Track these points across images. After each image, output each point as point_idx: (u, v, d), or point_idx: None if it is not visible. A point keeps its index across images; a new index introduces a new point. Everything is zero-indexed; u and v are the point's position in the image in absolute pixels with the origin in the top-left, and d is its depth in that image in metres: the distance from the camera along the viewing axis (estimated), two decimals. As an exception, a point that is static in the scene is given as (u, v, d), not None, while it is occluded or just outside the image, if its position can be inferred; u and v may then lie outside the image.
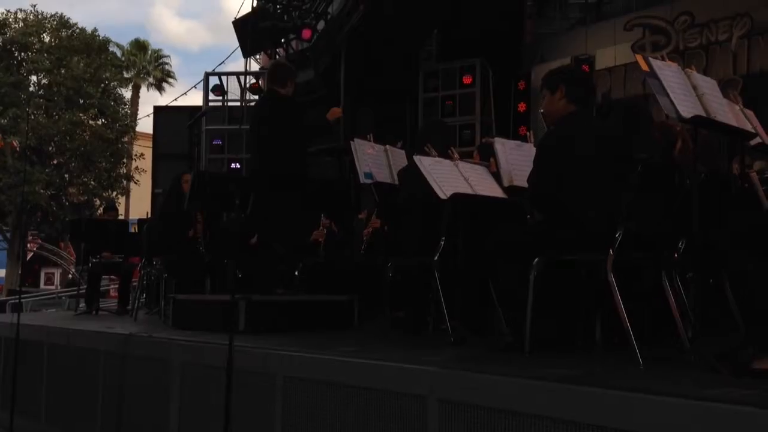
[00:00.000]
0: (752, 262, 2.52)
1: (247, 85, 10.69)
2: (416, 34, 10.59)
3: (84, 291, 8.14)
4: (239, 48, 10.90)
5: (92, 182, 22.35)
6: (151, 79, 30.60)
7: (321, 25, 10.32)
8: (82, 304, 8.06)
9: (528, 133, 4.76)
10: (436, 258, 4.00)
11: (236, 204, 3.63)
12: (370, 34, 9.96)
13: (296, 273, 6.11)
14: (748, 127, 3.27)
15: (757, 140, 3.37)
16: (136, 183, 23.31)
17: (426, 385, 2.68)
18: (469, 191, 3.80)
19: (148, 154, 14.42)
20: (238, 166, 10.03)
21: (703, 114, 2.80)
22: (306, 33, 10.02)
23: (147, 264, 6.66)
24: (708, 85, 2.96)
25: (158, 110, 12.09)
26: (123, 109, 23.80)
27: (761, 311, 2.53)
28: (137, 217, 11.14)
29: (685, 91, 2.82)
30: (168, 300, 5.35)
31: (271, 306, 4.56)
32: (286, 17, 10.11)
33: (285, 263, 5.13)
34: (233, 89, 10.95)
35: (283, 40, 10.42)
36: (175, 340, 4.17)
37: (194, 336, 4.21)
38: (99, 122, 22.45)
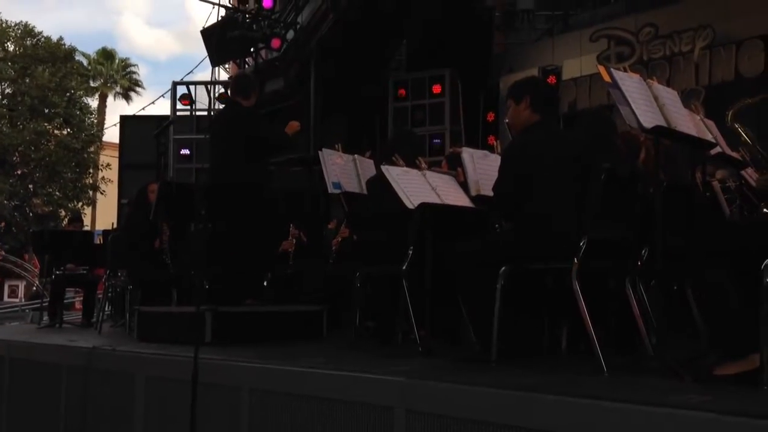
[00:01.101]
0: (713, 270, 2.56)
1: (216, 95, 10.63)
2: (386, 43, 10.63)
3: (47, 304, 7.98)
4: (208, 57, 10.84)
5: (57, 193, 21.99)
6: (118, 89, 30.22)
7: (290, 34, 10.31)
8: (45, 317, 7.90)
9: (495, 143, 4.80)
10: (404, 267, 4.00)
11: (201, 214, 3.59)
12: (339, 44, 9.98)
13: (265, 283, 6.08)
14: (709, 137, 3.33)
15: (717, 150, 3.43)
16: (102, 193, 22.99)
17: (393, 396, 2.67)
18: (436, 201, 3.81)
19: (115, 164, 14.23)
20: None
21: (665, 124, 2.84)
22: (275, 42, 10.00)
23: (112, 276, 6.56)
24: (669, 96, 3.01)
25: (125, 119, 11.96)
26: (89, 118, 23.49)
27: (722, 318, 2.57)
28: (103, 228, 10.97)
29: (647, 102, 2.87)
30: (133, 312, 5.27)
31: (239, 317, 4.51)
32: (255, 27, 10.09)
33: (253, 273, 5.09)
34: (202, 98, 10.89)
35: (252, 50, 10.38)
36: (140, 353, 4.11)
37: (159, 349, 4.14)
38: (64, 132, 22.12)
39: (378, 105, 10.70)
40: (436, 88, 10.35)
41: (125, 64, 30.77)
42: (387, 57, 10.92)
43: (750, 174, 3.69)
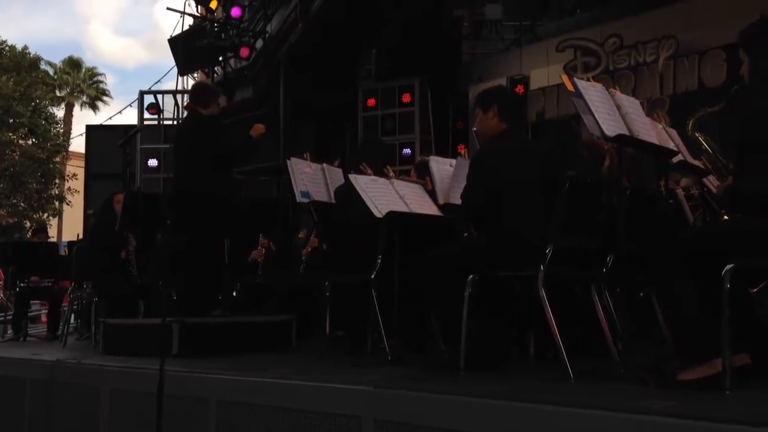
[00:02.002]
0: (676, 276, 2.59)
1: (184, 104, 10.55)
2: (355, 53, 10.66)
3: (12, 317, 7.82)
4: (176, 66, 10.76)
5: (22, 204, 21.59)
6: (84, 98, 29.79)
7: (259, 43, 10.28)
8: (9, 331, 7.75)
9: (464, 152, 4.83)
10: (372, 276, 3.99)
11: (167, 224, 3.55)
12: (308, 53, 9.97)
13: (234, 294, 6.03)
14: (671, 146, 3.39)
15: (680, 158, 3.49)
16: (68, 204, 22.63)
17: (361, 406, 2.66)
18: (404, 209, 3.82)
19: (81, 174, 14.05)
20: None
21: (627, 133, 2.88)
22: (244, 51, 9.96)
23: (77, 288, 6.45)
24: (631, 105, 3.06)
25: (91, 129, 11.82)
26: (55, 128, 23.12)
27: (685, 324, 2.61)
28: (69, 240, 10.81)
29: (610, 111, 2.91)
30: (98, 324, 5.19)
31: (206, 328, 4.46)
32: (223, 36, 10.04)
33: (221, 284, 5.04)
34: (170, 108, 10.80)
35: (221, 59, 10.33)
36: (105, 366, 4.05)
37: (125, 361, 4.09)
38: (29, 142, 21.75)
39: (348, 114, 10.71)
40: (406, 97, 10.40)
41: (92, 74, 30.37)
42: (356, 66, 10.94)
43: (711, 182, 3.76)
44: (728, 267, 2.42)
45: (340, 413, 2.71)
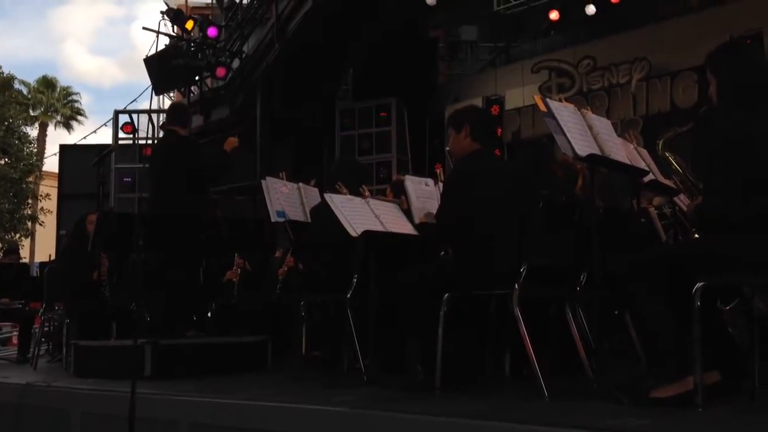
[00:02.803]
0: (648, 295, 2.62)
1: (159, 123, 10.50)
2: (332, 72, 10.70)
3: (-19, 339, 7.68)
4: (151, 86, 10.71)
5: (-6, 224, 21.27)
6: (59, 117, 29.52)
7: (236, 63, 10.29)
8: (-21, 353, 7.58)
9: (439, 171, 4.85)
10: (348, 296, 3.98)
11: (140, 245, 3.52)
12: (285, 73, 9.99)
13: (208, 314, 5.96)
14: (642, 165, 3.43)
15: (651, 177, 3.54)
16: (41, 224, 22.32)
17: (335, 427, 2.64)
18: (380, 228, 3.81)
19: (55, 194, 13.87)
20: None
21: (598, 152, 2.92)
22: (220, 71, 9.96)
23: (48, 309, 6.34)
24: (602, 125, 3.10)
25: (64, 149, 11.71)
26: (28, 148, 22.85)
27: (657, 343, 2.62)
28: (41, 260, 10.65)
29: (581, 131, 2.94)
30: (69, 346, 5.10)
31: (180, 350, 4.40)
32: (200, 55, 10.03)
33: (196, 305, 4.99)
34: (146, 127, 10.74)
35: (197, 78, 10.31)
36: (75, 389, 3.97)
37: (96, 384, 4.01)
38: (2, 162, 21.46)
39: (325, 134, 10.73)
40: (383, 117, 10.45)
41: (67, 93, 30.13)
42: (333, 86, 10.98)
43: (682, 200, 3.81)
44: (698, 285, 2.45)
45: (315, 435, 2.69)
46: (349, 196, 4.08)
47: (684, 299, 2.49)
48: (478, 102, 9.75)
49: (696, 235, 3.10)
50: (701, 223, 2.63)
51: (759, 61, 2.62)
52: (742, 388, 2.81)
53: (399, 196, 4.80)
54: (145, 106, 11.30)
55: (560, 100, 3.09)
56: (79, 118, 30.34)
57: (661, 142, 3.08)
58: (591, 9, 9.89)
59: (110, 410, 3.54)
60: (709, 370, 2.63)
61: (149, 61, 10.08)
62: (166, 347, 4.30)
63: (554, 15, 10.29)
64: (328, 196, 3.99)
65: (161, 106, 11.41)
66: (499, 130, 9.58)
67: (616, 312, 4.74)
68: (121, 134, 10.60)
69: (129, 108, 11.13)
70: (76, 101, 30.63)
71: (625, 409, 2.51)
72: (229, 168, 5.30)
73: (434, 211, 3.65)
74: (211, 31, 9.91)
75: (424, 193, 4.20)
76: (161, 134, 10.49)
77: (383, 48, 11.08)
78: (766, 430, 2.03)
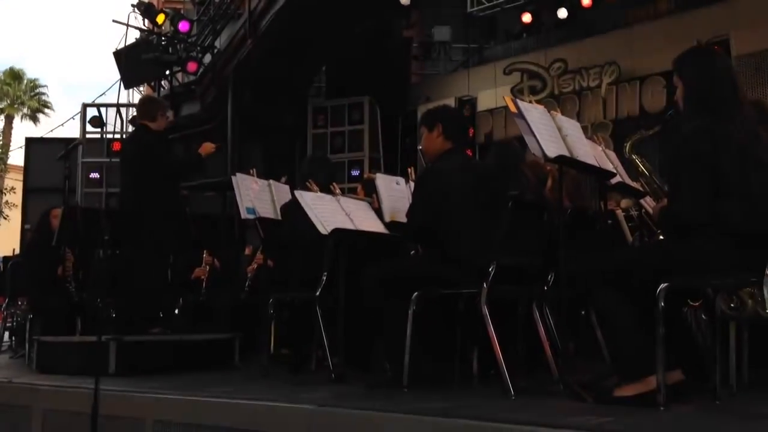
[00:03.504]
0: (612, 296, 2.65)
1: (128, 118, 10.35)
2: (305, 70, 10.66)
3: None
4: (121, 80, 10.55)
5: (-43, 217, 20.83)
6: (25, 110, 28.95)
7: (207, 58, 10.19)
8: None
9: (409, 170, 4.86)
10: (317, 294, 3.97)
11: (105, 240, 3.46)
12: (258, 69, 9.92)
13: (176, 311, 5.90)
14: (610, 167, 3.48)
15: (618, 179, 3.58)
16: (5, 218, 21.89)
17: (302, 425, 2.63)
18: (350, 226, 3.80)
19: (20, 187, 13.62)
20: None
21: (567, 154, 2.95)
22: (191, 66, 9.85)
23: (11, 304, 6.23)
24: (571, 127, 3.13)
25: (30, 142, 11.50)
26: (-7, 140, 22.43)
27: (621, 342, 2.66)
28: (5, 254, 10.44)
29: (551, 132, 2.97)
30: (32, 342, 5.01)
31: (145, 347, 4.35)
32: (170, 50, 9.91)
33: (162, 301, 4.94)
34: (114, 121, 10.58)
35: (167, 73, 10.18)
36: (38, 385, 3.90)
37: (59, 381, 3.95)
38: (-34, 154, 21.04)
39: (297, 131, 10.69)
40: (355, 116, 10.45)
41: (34, 85, 29.57)
42: (306, 84, 10.94)
43: (648, 203, 3.86)
44: (662, 286, 2.49)
45: (282, 432, 2.68)
46: (319, 194, 4.07)
47: (648, 300, 2.53)
48: (451, 102, 9.79)
49: (661, 237, 3.15)
50: (666, 225, 2.66)
51: (724, 67, 2.66)
52: (704, 387, 2.86)
53: (370, 194, 4.79)
54: (114, 99, 11.11)
55: (530, 101, 3.12)
56: (46, 111, 29.81)
57: (628, 145, 3.12)
58: (563, 13, 10.00)
59: (73, 407, 3.49)
60: (671, 369, 2.68)
61: (119, 55, 9.93)
62: (130, 344, 4.25)
63: (527, 18, 10.38)
64: (298, 193, 3.97)
65: (130, 100, 11.26)
66: (471, 131, 9.63)
67: (583, 312, 4.80)
68: (89, 128, 10.43)
69: (97, 101, 10.97)
70: (44, 94, 30.10)
71: (588, 408, 2.54)
72: (201, 171, 5.26)
73: (405, 210, 3.66)
74: (183, 26, 9.80)
75: (395, 192, 4.20)
76: (129, 128, 10.37)
77: (357, 46, 11.07)
78: (727, 430, 2.06)
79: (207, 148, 5.13)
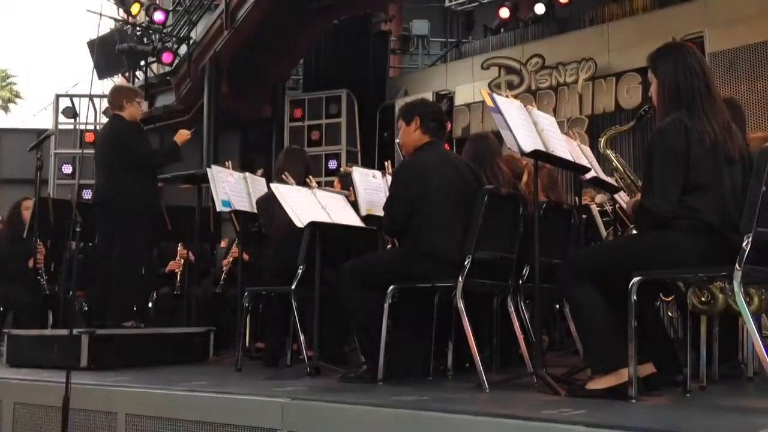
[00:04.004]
0: (585, 289, 2.67)
1: (102, 109, 10.22)
2: (282, 62, 10.60)
3: None
4: (94, 70, 10.41)
5: (-75, 209, 20.39)
6: (-4, 100, 28.47)
7: (183, 49, 10.08)
8: None
9: (386, 163, 4.86)
10: (293, 287, 3.95)
11: (77, 232, 3.41)
12: (234, 61, 9.84)
13: (149, 304, 5.85)
14: (585, 162, 3.50)
15: (593, 174, 3.61)
16: (-24, 210, 21.49)
17: (276, 418, 2.62)
18: (326, 219, 3.79)
19: (-9, 179, 13.38)
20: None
21: (543, 148, 2.96)
22: (167, 57, 9.74)
23: (-20, 297, 6.11)
24: (547, 122, 3.14)
25: (1, 132, 11.35)
26: (-36, 130, 22.00)
27: (593, 336, 2.68)
28: (-25, 247, 10.25)
29: (527, 127, 2.98)
30: (3, 335, 4.93)
31: (118, 340, 4.30)
32: (145, 40, 9.79)
33: (136, 294, 4.88)
34: (87, 112, 10.45)
35: (142, 63, 10.06)
36: (8, 379, 3.85)
37: (30, 374, 3.90)
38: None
39: (274, 124, 10.62)
40: (333, 109, 10.42)
41: (5, 75, 29.06)
42: (283, 76, 10.88)
43: (623, 197, 3.90)
44: (634, 280, 2.51)
45: (256, 426, 2.66)
46: (295, 187, 4.05)
47: (620, 293, 2.55)
48: (429, 96, 9.78)
49: (634, 232, 3.18)
50: (639, 220, 2.69)
51: (698, 64, 2.69)
52: (675, 381, 2.90)
53: (347, 187, 4.78)
54: (87, 90, 10.95)
55: (507, 96, 3.12)
56: (18, 101, 29.31)
57: (602, 140, 3.14)
58: (540, 8, 10.04)
59: (45, 401, 3.44)
60: (643, 362, 2.71)
61: (92, 45, 9.78)
62: (103, 337, 4.21)
63: (504, 13, 10.41)
64: (274, 186, 3.95)
65: (104, 91, 11.12)
66: (449, 125, 9.63)
67: (558, 306, 4.85)
68: (61, 119, 10.29)
69: (70, 92, 10.81)
70: (15, 84, 29.59)
71: (561, 401, 2.56)
72: (178, 160, 5.19)
73: (381, 203, 3.66)
74: (158, 16, 9.68)
75: (372, 185, 4.20)
76: (102, 119, 10.24)
77: (334, 39, 11.03)
78: (696, 422, 2.09)
79: (182, 135, 5.07)
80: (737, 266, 2.33)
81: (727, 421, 2.11)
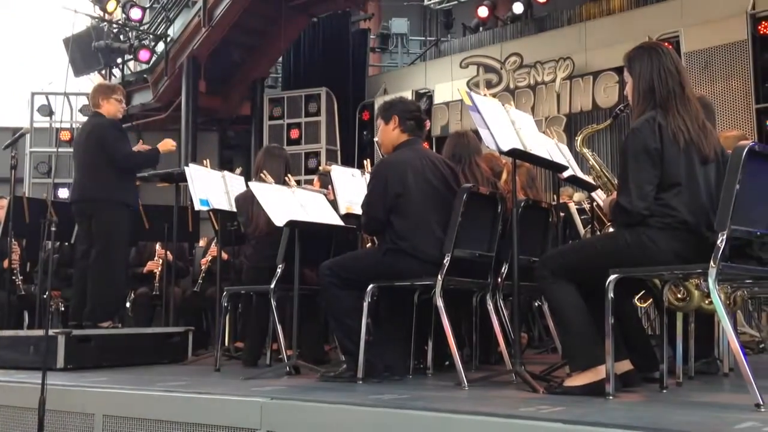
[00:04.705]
0: (563, 287, 2.69)
1: (79, 107, 10.10)
2: (261, 60, 10.55)
3: None
4: (71, 67, 10.28)
5: None
6: (-29, 97, 28.02)
7: (160, 47, 10.00)
8: None
9: (365, 162, 4.86)
10: (272, 286, 3.94)
11: (53, 231, 3.37)
12: (212, 58, 9.79)
13: (127, 305, 5.80)
14: (562, 161, 3.52)
15: (571, 172, 3.63)
16: (-50, 209, 21.16)
17: (255, 418, 2.61)
18: (305, 218, 3.78)
19: (-36, 177, 13.15)
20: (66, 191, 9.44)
21: (521, 147, 2.97)
22: (144, 55, 9.65)
23: (-46, 298, 6.02)
24: (525, 120, 3.16)
25: (-25, 130, 11.12)
26: (-64, 128, 21.66)
27: (571, 333, 2.70)
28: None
29: (504, 125, 2.99)
30: (-24, 337, 4.85)
31: (95, 341, 4.26)
32: (122, 37, 9.69)
33: (114, 294, 4.82)
34: (63, 110, 10.31)
35: (119, 61, 9.96)
36: (-19, 380, 3.78)
37: (6, 375, 3.84)
38: None
39: (253, 122, 10.58)
40: (312, 108, 10.40)
41: (-20, 71, 28.62)
42: (262, 74, 10.83)
43: (600, 196, 3.93)
44: (611, 278, 2.54)
45: (235, 426, 2.65)
46: (274, 185, 4.04)
47: (598, 291, 2.57)
48: (408, 95, 9.80)
49: (611, 230, 3.20)
50: (615, 218, 2.71)
51: (673, 63, 2.71)
52: (652, 377, 2.93)
53: (326, 186, 4.78)
54: (65, 88, 10.81)
55: (485, 95, 3.13)
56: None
57: (579, 139, 3.16)
58: (519, 7, 10.10)
59: (20, 402, 3.39)
60: (621, 359, 2.74)
61: (68, 42, 9.67)
62: (79, 338, 4.16)
63: (483, 12, 10.46)
64: (252, 185, 3.93)
65: (80, 89, 10.99)
66: (428, 124, 9.64)
67: (537, 303, 4.88)
68: (36, 116, 10.16)
69: (46, 90, 10.68)
70: (-11, 81, 29.13)
71: (540, 398, 2.58)
72: (154, 166, 5.13)
73: (360, 202, 3.65)
74: (135, 13, 9.59)
75: (351, 184, 4.20)
76: (78, 117, 10.12)
77: (314, 37, 11.01)
78: (673, 418, 2.11)
79: (167, 144, 5.02)
80: (712, 263, 2.36)
81: (703, 417, 2.13)
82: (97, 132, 4.76)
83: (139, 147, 4.97)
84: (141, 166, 5.00)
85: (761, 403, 2.22)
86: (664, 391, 2.73)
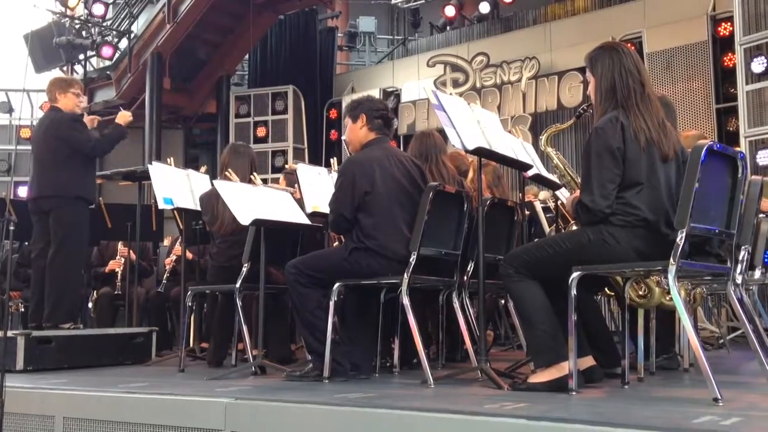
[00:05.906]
0: (526, 284, 2.71)
1: (39, 104, 9.90)
2: (227, 57, 10.46)
3: None
4: (31, 64, 10.06)
5: None
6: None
7: (123, 43, 9.85)
8: None
9: (332, 161, 4.84)
10: (237, 285, 3.90)
11: (12, 231, 3.29)
12: (177, 55, 9.67)
13: (89, 305, 5.70)
14: (527, 160, 3.55)
15: (535, 171, 3.66)
16: None
17: (220, 418, 2.58)
18: (271, 216, 3.76)
19: None
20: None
21: (486, 145, 2.99)
22: (106, 51, 9.49)
23: None
24: (490, 119, 3.18)
25: (-68, 127, 10.84)
26: None
27: (535, 330, 2.72)
28: None
29: (470, 124, 3.01)
30: (-68, 339, 4.72)
31: (56, 342, 4.18)
32: (84, 33, 9.52)
33: (74, 294, 4.73)
34: (25, 107, 10.11)
35: (81, 57, 9.78)
36: (-62, 384, 3.68)
37: (-38, 379, 3.74)
38: None
39: (219, 120, 10.48)
40: (279, 106, 10.34)
41: (-64, 67, 27.89)
42: (228, 71, 10.73)
43: (564, 194, 3.97)
44: (574, 275, 2.57)
45: (199, 427, 2.62)
46: (239, 184, 4.00)
47: (561, 288, 2.60)
48: (376, 93, 9.80)
49: (574, 227, 3.24)
50: (578, 216, 2.74)
51: (634, 63, 2.75)
52: (614, 372, 2.98)
53: (293, 184, 4.75)
54: (23, 85, 10.58)
55: (450, 94, 3.15)
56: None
57: (543, 138, 3.19)
58: (485, 7, 10.17)
59: (-23, 406, 3.31)
60: (583, 356, 2.77)
61: (30, 38, 9.46)
62: (39, 339, 4.08)
63: (450, 11, 10.50)
64: (217, 183, 3.89)
65: (41, 86, 10.77)
66: (395, 122, 9.66)
67: (503, 301, 4.92)
68: (-4, 114, 9.94)
69: (5, 86, 10.44)
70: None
71: (504, 395, 2.60)
72: (123, 138, 5.00)
73: (327, 200, 3.64)
74: (98, 9, 9.42)
75: (317, 182, 4.18)
76: (38, 114, 9.91)
77: (281, 35, 10.95)
78: (634, 413, 2.15)
79: (124, 116, 4.94)
80: (672, 261, 2.40)
81: (663, 412, 2.17)
82: (55, 127, 4.66)
83: (89, 122, 4.85)
84: (112, 146, 4.90)
85: (719, 397, 2.27)
86: (626, 386, 2.78)
